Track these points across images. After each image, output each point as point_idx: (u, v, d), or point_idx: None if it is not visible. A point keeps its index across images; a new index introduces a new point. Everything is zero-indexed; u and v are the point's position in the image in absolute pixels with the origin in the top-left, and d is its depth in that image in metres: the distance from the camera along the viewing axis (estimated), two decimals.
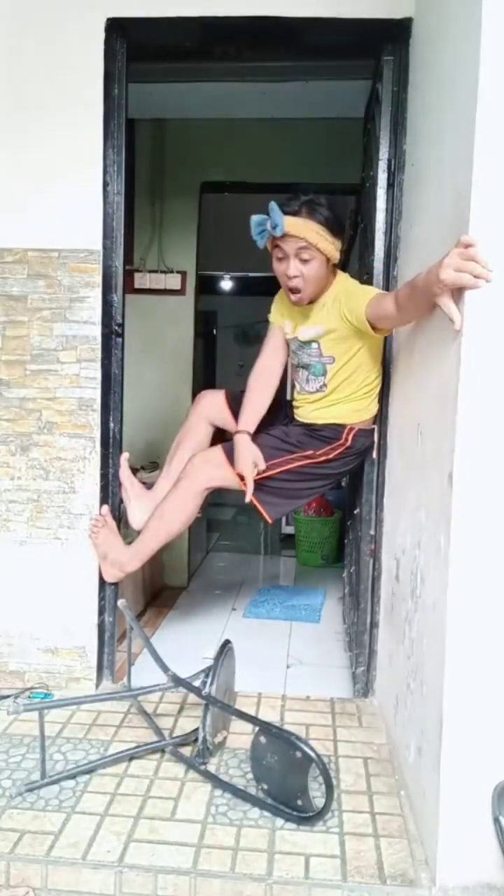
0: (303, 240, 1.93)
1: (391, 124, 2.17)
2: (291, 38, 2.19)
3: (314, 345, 2.12)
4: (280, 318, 2.24)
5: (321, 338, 2.09)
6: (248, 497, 2.11)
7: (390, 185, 2.19)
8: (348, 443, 2.14)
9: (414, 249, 1.96)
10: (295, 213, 1.93)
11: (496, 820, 1.39)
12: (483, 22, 1.31)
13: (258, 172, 3.58)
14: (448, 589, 1.40)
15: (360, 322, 1.95)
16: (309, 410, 2.20)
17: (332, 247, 1.98)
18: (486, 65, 1.31)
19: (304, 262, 1.97)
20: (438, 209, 1.63)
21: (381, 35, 2.13)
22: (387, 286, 2.20)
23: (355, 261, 3.04)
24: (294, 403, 2.30)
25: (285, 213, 1.92)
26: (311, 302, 2.08)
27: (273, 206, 1.93)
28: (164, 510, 2.20)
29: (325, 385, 2.14)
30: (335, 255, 2.01)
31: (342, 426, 2.15)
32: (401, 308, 1.73)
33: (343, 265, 3.00)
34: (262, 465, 2.11)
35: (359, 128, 2.75)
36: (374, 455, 2.24)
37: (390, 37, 2.12)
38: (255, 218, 1.98)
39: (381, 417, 2.22)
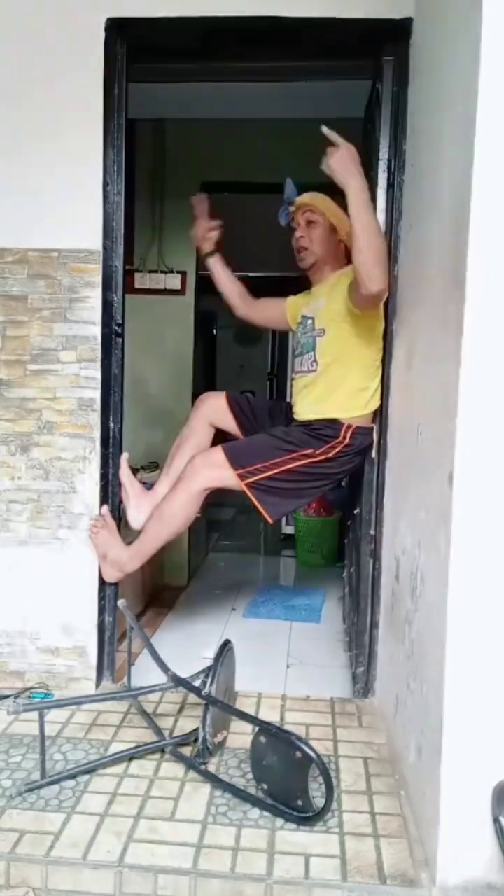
0: (310, 205, 2.23)
1: (391, 124, 2.17)
2: (291, 38, 2.19)
3: (310, 321, 2.24)
4: (290, 303, 2.46)
5: (319, 312, 2.21)
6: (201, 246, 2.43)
7: (390, 185, 2.18)
8: (347, 440, 2.14)
9: (414, 249, 1.96)
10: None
11: (496, 820, 1.39)
12: (483, 22, 1.31)
13: (258, 172, 3.58)
14: (448, 589, 1.40)
15: (348, 293, 2.08)
16: (305, 406, 2.22)
17: (334, 213, 2.22)
18: (486, 65, 1.31)
19: (310, 224, 2.24)
20: (438, 209, 1.63)
21: (381, 35, 2.13)
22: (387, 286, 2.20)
23: None
24: (293, 401, 2.31)
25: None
26: (315, 271, 2.30)
27: (288, 180, 2.28)
28: (164, 511, 2.20)
29: (315, 361, 2.19)
30: (341, 226, 2.22)
31: (340, 423, 2.15)
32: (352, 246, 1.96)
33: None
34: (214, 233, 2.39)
35: (359, 128, 2.75)
36: (374, 455, 2.24)
37: (390, 37, 2.12)
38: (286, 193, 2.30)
39: (381, 417, 2.22)
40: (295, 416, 2.27)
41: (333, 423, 2.15)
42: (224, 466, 2.13)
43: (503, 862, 1.41)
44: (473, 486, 1.38)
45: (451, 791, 1.42)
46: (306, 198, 2.25)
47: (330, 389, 2.17)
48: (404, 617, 1.84)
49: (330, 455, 2.14)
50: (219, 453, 2.15)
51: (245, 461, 2.11)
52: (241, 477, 2.11)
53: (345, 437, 2.14)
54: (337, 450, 2.14)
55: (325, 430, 2.15)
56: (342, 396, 2.17)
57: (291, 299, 2.48)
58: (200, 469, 2.16)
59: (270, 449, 2.13)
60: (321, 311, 2.20)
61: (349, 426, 2.15)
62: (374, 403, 2.20)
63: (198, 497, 2.18)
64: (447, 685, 1.41)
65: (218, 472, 2.14)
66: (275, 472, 2.12)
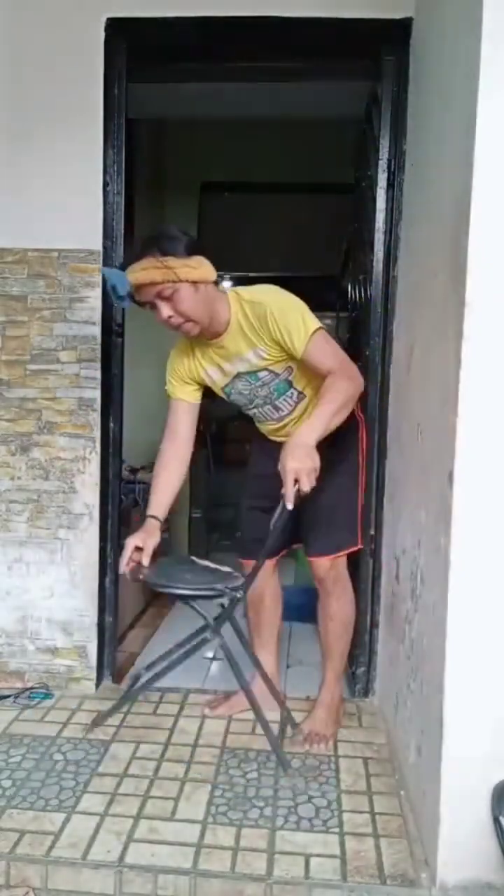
0: (151, 283, 1.72)
1: (391, 124, 2.17)
2: (291, 39, 2.18)
3: (263, 373, 1.89)
4: (184, 385, 2.03)
5: (267, 360, 1.85)
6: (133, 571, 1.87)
7: (390, 186, 2.19)
8: (362, 417, 2.04)
9: (414, 249, 1.96)
10: (139, 259, 1.74)
11: (496, 820, 1.39)
12: (483, 22, 1.31)
13: (258, 172, 3.58)
14: (448, 589, 1.40)
15: (296, 353, 1.79)
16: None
17: (188, 270, 1.72)
18: (486, 65, 1.31)
19: (169, 299, 1.73)
20: (438, 209, 1.63)
21: (381, 35, 2.13)
22: (387, 286, 2.20)
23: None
24: (277, 434, 2.02)
25: (128, 263, 1.75)
26: (217, 334, 1.86)
27: (104, 273, 1.75)
28: (344, 621, 2.05)
29: (301, 393, 1.92)
30: (202, 275, 1.74)
31: None
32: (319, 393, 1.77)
33: (343, 266, 2.99)
34: (149, 550, 1.88)
35: (359, 128, 2.75)
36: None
37: (390, 37, 2.12)
38: (108, 287, 1.79)
39: (381, 417, 2.22)
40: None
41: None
42: (344, 558, 2.02)
43: (503, 862, 1.41)
44: (473, 486, 1.38)
45: (451, 791, 1.42)
46: (142, 277, 1.71)
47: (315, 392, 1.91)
48: (404, 617, 1.84)
49: (363, 444, 2.04)
50: (339, 563, 2.01)
51: (350, 535, 2.01)
52: (362, 541, 2.05)
53: (359, 416, 2.01)
54: (363, 434, 2.03)
55: (345, 430, 1.90)
56: None
57: (176, 368, 2.06)
58: (342, 575, 2.03)
59: (348, 496, 2.00)
60: (269, 358, 1.85)
61: (356, 406, 1.97)
62: None
63: (351, 587, 2.09)
64: (447, 685, 1.41)
65: (344, 562, 2.03)
66: (362, 505, 2.03)
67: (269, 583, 2.16)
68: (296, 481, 1.66)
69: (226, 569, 1.87)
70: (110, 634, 2.36)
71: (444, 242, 1.55)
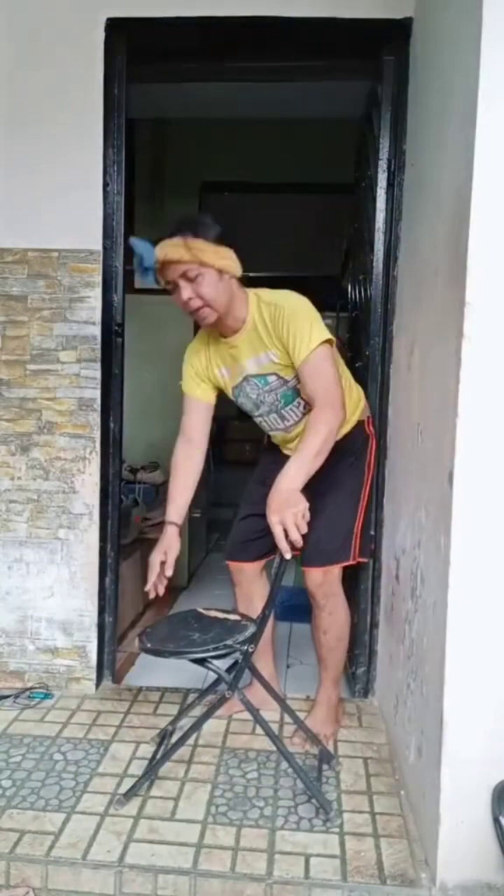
0: (178, 261, 1.72)
1: (391, 124, 2.17)
2: (291, 39, 2.19)
3: (271, 377, 1.88)
4: (199, 382, 1.98)
5: (277, 365, 1.84)
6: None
7: (390, 185, 2.19)
8: (372, 431, 2.06)
9: (414, 249, 1.96)
10: (171, 237, 1.74)
11: (496, 820, 1.39)
12: (483, 22, 1.31)
13: (258, 172, 3.58)
14: (448, 589, 1.40)
15: (295, 361, 1.79)
16: None
17: (216, 256, 1.73)
18: (486, 65, 1.32)
19: (193, 280, 1.74)
20: (438, 209, 1.64)
21: (381, 35, 2.13)
22: (387, 286, 2.20)
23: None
24: (286, 447, 2.04)
25: (159, 240, 1.75)
26: (233, 331, 1.85)
27: (133, 242, 1.82)
28: (338, 633, 2.03)
29: (308, 404, 1.88)
30: (228, 265, 1.75)
31: (360, 422, 2.01)
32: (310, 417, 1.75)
33: (343, 266, 2.99)
34: (171, 560, 1.88)
35: (358, 128, 2.75)
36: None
37: (390, 37, 2.12)
38: (135, 258, 1.83)
39: (381, 417, 2.22)
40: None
41: (355, 430, 1.99)
42: (338, 572, 2.01)
43: (503, 862, 1.41)
44: (473, 486, 1.38)
45: (451, 791, 1.42)
46: (171, 253, 1.72)
47: None
48: (404, 617, 1.84)
49: (372, 458, 2.05)
50: (332, 577, 1.99)
51: (344, 549, 1.98)
52: (360, 556, 2.02)
53: (370, 430, 2.04)
54: (373, 448, 2.05)
55: (354, 441, 1.98)
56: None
57: (193, 363, 1.99)
58: (334, 589, 2.01)
59: (348, 510, 1.99)
60: (279, 363, 1.84)
61: (367, 420, 2.05)
62: (363, 395, 2.09)
63: (344, 600, 2.06)
64: (447, 685, 1.41)
65: (337, 575, 2.01)
66: (362, 520, 2.01)
67: (257, 585, 2.16)
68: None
69: (233, 617, 1.86)
70: (110, 634, 2.36)
71: (444, 242, 1.56)
